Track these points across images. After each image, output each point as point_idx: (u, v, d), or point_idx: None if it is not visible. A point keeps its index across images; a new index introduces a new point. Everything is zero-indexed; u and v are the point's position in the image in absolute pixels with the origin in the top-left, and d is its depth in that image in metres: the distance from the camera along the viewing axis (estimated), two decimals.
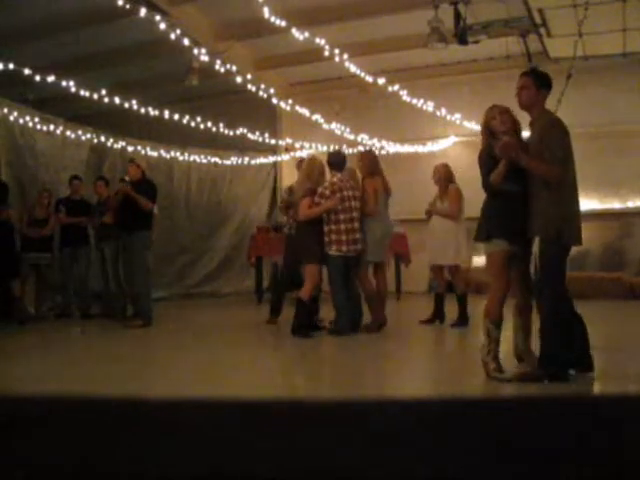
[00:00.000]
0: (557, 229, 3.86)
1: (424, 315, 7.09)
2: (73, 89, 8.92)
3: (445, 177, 7.01)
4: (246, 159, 12.26)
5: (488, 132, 4.22)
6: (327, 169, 6.73)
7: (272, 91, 10.78)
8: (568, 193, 3.94)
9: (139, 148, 10.63)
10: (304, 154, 10.67)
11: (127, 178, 7.56)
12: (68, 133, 9.56)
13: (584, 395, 1.52)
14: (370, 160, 6.77)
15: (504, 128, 4.14)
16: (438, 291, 7.07)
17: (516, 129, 4.19)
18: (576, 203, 4.04)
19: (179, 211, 11.57)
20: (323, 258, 6.31)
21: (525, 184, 3.99)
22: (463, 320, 6.68)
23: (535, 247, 3.94)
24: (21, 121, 8.78)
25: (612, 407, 0.60)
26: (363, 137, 11.39)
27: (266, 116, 11.89)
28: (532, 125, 4.08)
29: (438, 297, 7.04)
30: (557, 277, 3.92)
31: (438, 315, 6.99)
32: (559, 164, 3.85)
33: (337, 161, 6.58)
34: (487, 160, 4.12)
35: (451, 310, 6.83)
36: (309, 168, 6.62)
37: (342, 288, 6.35)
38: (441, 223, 6.83)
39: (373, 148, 9.62)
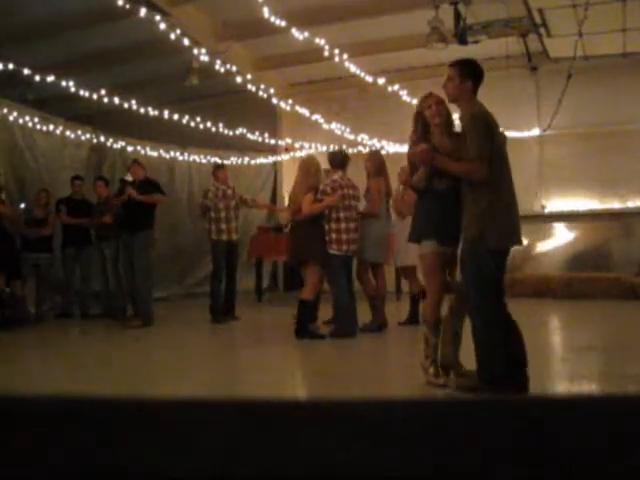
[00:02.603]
0: (480, 229, 3.55)
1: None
2: (73, 89, 8.93)
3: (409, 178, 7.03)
4: (246, 159, 12.26)
5: (421, 121, 4.02)
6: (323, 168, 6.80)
7: (272, 91, 10.79)
8: (494, 191, 3.59)
9: (139, 148, 10.63)
10: (304, 154, 10.67)
11: (128, 178, 7.57)
12: (68, 133, 9.56)
13: (585, 395, 1.52)
14: (377, 161, 6.80)
15: (438, 120, 3.95)
16: (411, 291, 7.00)
17: (449, 122, 4.03)
18: (507, 202, 3.67)
19: (180, 211, 11.57)
20: (325, 258, 6.30)
21: (455, 182, 3.74)
22: (413, 319, 6.76)
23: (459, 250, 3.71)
24: (21, 121, 8.77)
25: (613, 407, 0.60)
26: (363, 137, 11.40)
27: (266, 116, 11.88)
28: (462, 119, 3.81)
29: (414, 299, 6.97)
30: (481, 282, 3.57)
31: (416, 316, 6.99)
32: (479, 161, 3.53)
33: (338, 160, 6.58)
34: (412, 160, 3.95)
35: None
36: (307, 166, 6.62)
37: (344, 288, 6.32)
38: (405, 225, 6.81)
39: (374, 148, 9.64)
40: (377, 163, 6.76)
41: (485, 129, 3.60)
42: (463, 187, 3.69)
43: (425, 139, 3.92)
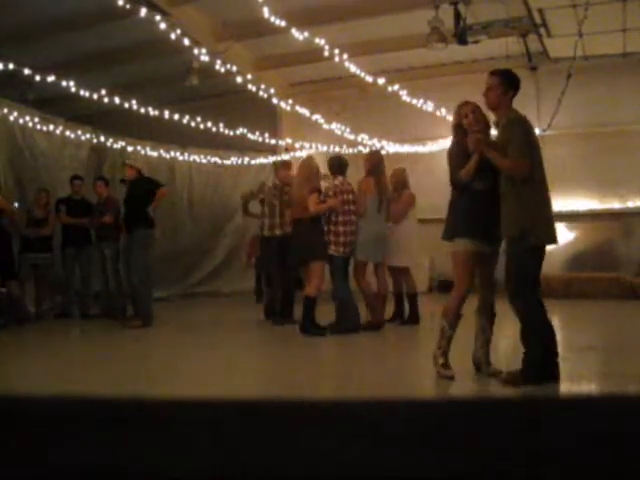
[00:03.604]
0: (521, 228, 3.74)
1: (425, 314, 7.10)
2: (73, 89, 8.93)
3: (403, 182, 7.12)
4: (246, 159, 12.26)
5: (461, 130, 4.15)
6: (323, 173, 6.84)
7: (272, 91, 10.78)
8: (534, 192, 3.82)
9: (139, 148, 10.63)
10: (304, 154, 10.68)
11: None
12: (68, 133, 9.56)
13: (585, 395, 1.52)
14: (373, 160, 6.82)
15: (476, 127, 4.08)
16: (408, 292, 7.07)
17: (487, 127, 4.17)
18: (545, 202, 3.90)
19: (181, 212, 11.58)
20: (328, 256, 6.38)
21: (493, 183, 3.92)
22: (413, 319, 6.91)
23: (502, 248, 3.91)
24: (21, 121, 8.77)
25: (613, 407, 0.60)
26: (363, 137, 11.40)
27: (266, 116, 11.89)
28: (497, 125, 4.02)
29: (401, 297, 7.12)
30: (524, 279, 3.77)
31: (400, 314, 7.11)
32: (524, 158, 3.76)
33: (336, 166, 6.69)
34: (459, 155, 4.06)
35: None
36: (307, 167, 6.67)
37: (345, 286, 6.44)
38: (396, 226, 6.84)
39: (374, 148, 9.64)
40: (372, 163, 6.78)
41: (523, 132, 3.82)
42: (503, 187, 3.86)
43: (464, 145, 4.06)
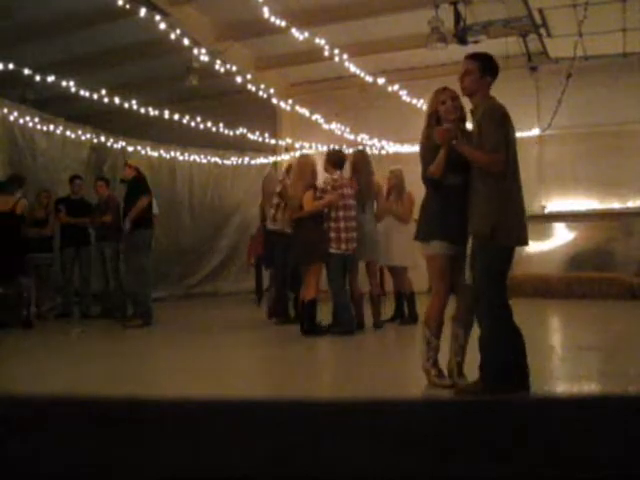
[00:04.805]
0: (492, 226, 3.45)
1: (424, 314, 7.10)
2: (73, 89, 8.93)
3: (402, 181, 7.10)
4: (246, 159, 12.27)
5: (434, 118, 3.85)
6: (320, 168, 6.80)
7: (272, 91, 10.79)
8: (507, 188, 3.52)
9: (139, 148, 10.63)
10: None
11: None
12: (68, 133, 9.56)
13: (585, 395, 1.53)
14: (354, 159, 6.83)
15: (454, 116, 3.81)
16: (404, 291, 7.07)
17: (463, 118, 3.91)
18: (517, 201, 3.59)
19: (181, 211, 11.58)
20: (326, 257, 6.31)
21: (467, 177, 3.63)
22: (413, 318, 6.86)
23: (469, 247, 3.60)
24: (21, 121, 8.77)
25: (613, 407, 0.60)
26: (363, 137, 11.40)
27: (266, 116, 11.89)
28: (473, 113, 3.70)
29: (403, 297, 7.09)
30: (492, 281, 3.49)
31: (400, 314, 7.13)
32: (500, 151, 3.46)
33: (336, 159, 6.60)
34: (430, 149, 3.75)
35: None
36: (303, 165, 6.62)
37: (343, 287, 6.38)
38: (396, 226, 6.84)
39: (367, 148, 9.63)
40: (352, 163, 6.78)
41: (501, 123, 3.54)
42: (474, 183, 3.59)
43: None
